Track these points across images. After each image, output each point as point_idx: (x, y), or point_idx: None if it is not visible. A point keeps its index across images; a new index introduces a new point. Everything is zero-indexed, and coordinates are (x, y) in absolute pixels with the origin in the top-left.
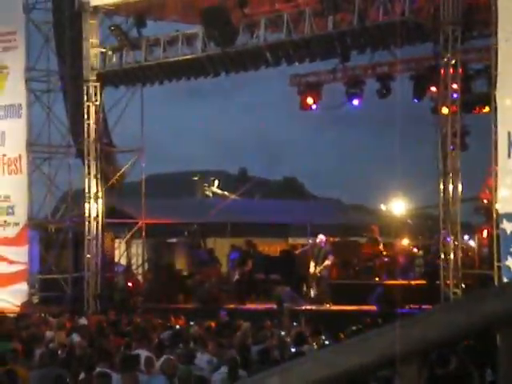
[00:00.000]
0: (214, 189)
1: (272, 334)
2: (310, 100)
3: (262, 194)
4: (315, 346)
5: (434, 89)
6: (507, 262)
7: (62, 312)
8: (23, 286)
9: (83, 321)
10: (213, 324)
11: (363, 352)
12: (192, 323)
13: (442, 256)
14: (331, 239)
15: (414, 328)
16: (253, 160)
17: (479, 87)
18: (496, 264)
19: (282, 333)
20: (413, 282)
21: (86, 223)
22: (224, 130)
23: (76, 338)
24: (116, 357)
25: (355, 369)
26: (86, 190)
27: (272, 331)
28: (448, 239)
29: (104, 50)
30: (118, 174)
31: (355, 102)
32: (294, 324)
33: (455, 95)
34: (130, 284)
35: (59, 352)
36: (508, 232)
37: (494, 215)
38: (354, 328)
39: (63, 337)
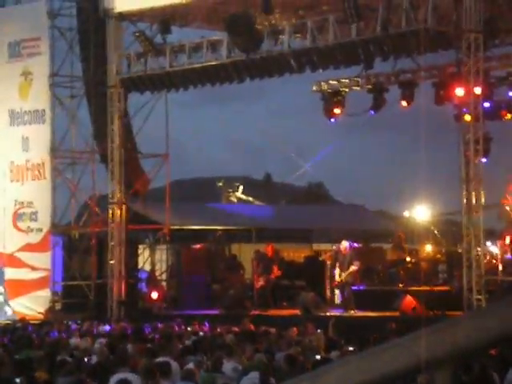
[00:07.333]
0: (239, 194)
1: (297, 341)
2: (336, 110)
3: (286, 199)
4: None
5: (457, 94)
6: None
7: (86, 319)
8: (46, 293)
9: (106, 328)
10: (237, 330)
11: (395, 358)
12: (217, 330)
13: (465, 262)
14: (355, 245)
15: (446, 334)
16: (277, 166)
17: (502, 94)
18: None
19: (307, 339)
20: (436, 289)
21: (110, 229)
22: (249, 136)
23: (99, 344)
24: (139, 364)
25: (387, 375)
26: (110, 196)
27: (297, 338)
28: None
29: (128, 56)
30: (143, 180)
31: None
32: (319, 331)
33: (477, 102)
34: (153, 291)
35: (84, 359)
36: None
37: None
38: (385, 333)
39: (86, 344)
